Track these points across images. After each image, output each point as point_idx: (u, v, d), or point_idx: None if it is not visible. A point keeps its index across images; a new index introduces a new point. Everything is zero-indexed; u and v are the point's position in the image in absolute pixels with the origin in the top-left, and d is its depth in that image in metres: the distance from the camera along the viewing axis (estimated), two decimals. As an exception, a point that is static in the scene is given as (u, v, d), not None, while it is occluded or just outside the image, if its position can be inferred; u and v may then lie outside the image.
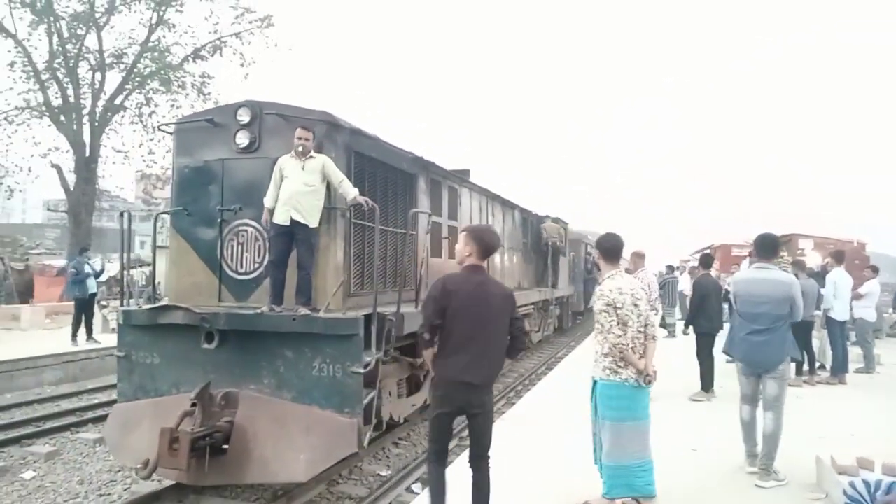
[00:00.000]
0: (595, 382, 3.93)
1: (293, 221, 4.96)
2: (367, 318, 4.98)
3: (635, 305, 3.81)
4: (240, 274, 5.45)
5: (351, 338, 4.83)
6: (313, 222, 5.02)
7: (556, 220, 14.21)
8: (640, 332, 3.81)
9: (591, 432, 4.10)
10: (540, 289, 12.88)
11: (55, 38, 18.41)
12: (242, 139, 5.42)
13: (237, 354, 5.12)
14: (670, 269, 14.72)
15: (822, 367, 9.23)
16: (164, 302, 5.62)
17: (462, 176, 8.87)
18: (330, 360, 4.88)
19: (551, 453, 5.32)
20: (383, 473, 5.93)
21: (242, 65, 20.79)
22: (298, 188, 4.97)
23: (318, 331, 4.81)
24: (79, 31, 18.96)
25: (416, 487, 5.43)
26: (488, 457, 3.49)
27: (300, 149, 4.99)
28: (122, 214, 5.82)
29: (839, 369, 8.85)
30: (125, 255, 5.85)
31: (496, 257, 10.65)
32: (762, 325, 4.55)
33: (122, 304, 5.72)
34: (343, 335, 4.83)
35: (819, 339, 9.24)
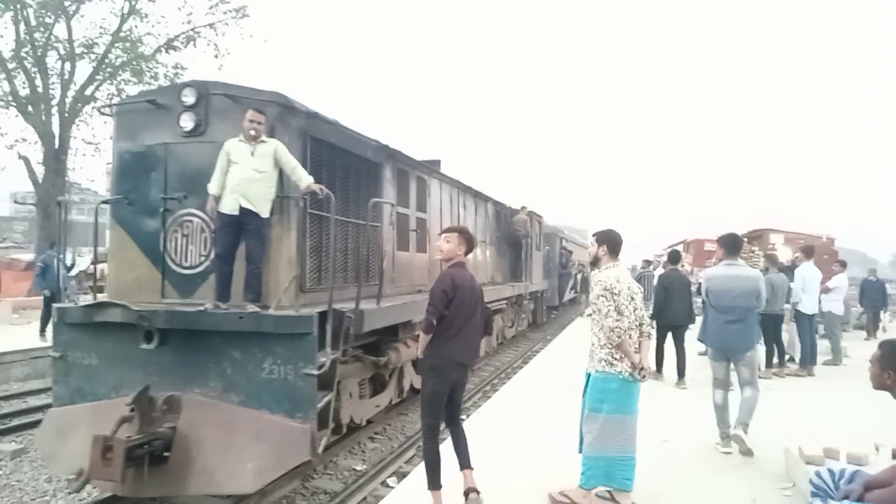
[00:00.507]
0: (589, 376, 4.00)
1: (242, 210, 4.57)
2: (323, 315, 4.63)
3: (631, 298, 3.92)
4: (184, 268, 5.03)
5: (304, 337, 4.48)
6: (264, 212, 4.64)
7: (529, 214, 13.94)
8: (635, 327, 3.92)
9: (578, 424, 4.11)
10: (513, 283, 12.62)
11: (22, 27, 17.78)
12: (187, 122, 5.00)
13: (181, 355, 4.73)
14: (647, 263, 14.59)
15: (792, 359, 9.44)
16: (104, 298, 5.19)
17: (431, 166, 8.53)
18: (281, 361, 4.52)
19: (529, 445, 5.31)
20: (359, 468, 5.85)
21: (217, 56, 20.42)
22: (248, 174, 4.58)
23: (267, 329, 4.44)
24: (47, 20, 18.30)
25: (392, 481, 5.38)
26: (460, 425, 4.17)
27: (251, 132, 4.60)
28: (96, 207, 5.40)
29: (807, 361, 9.04)
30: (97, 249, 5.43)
31: (480, 257, 10.35)
32: (734, 316, 5.10)
33: (94, 299, 5.30)
34: (295, 334, 4.47)
35: (788, 332, 9.44)
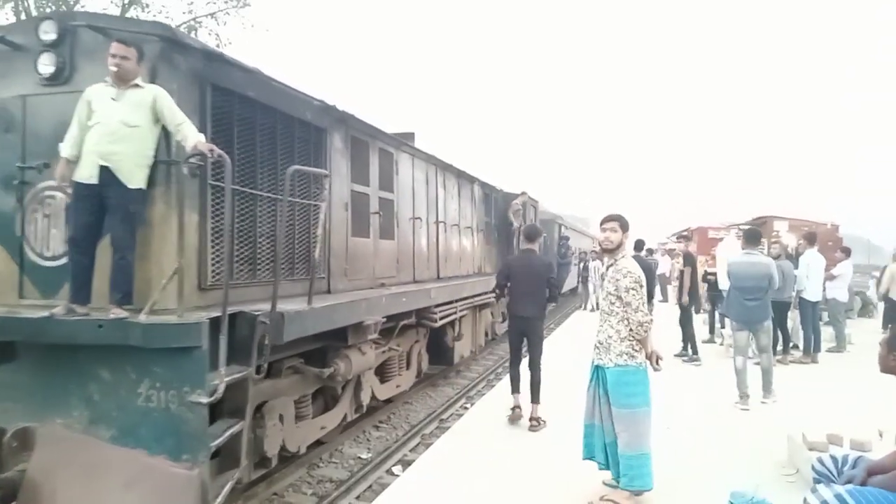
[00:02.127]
0: (598, 369, 3.89)
1: (102, 178, 3.36)
2: (231, 321, 3.45)
3: (641, 286, 3.82)
4: (47, 259, 3.82)
5: (188, 352, 3.28)
6: (133, 180, 3.42)
7: (521, 197, 12.66)
8: None
9: (585, 423, 4.05)
10: (503, 275, 11.41)
11: (23, 17, 16.78)
12: (47, 65, 3.76)
13: (39, 374, 3.55)
14: (649, 251, 13.49)
15: (796, 346, 9.47)
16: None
17: (402, 139, 7.28)
18: (161, 385, 3.32)
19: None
20: (364, 456, 5.81)
21: (218, 45, 19.71)
22: (111, 128, 3.37)
23: (135, 342, 3.24)
24: (48, 10, 17.24)
25: (397, 469, 5.33)
26: (539, 362, 5.75)
27: (114, 69, 3.38)
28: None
29: (811, 348, 9.15)
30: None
31: (452, 239, 9.13)
32: (752, 296, 6.36)
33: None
34: (177, 349, 3.27)
35: (793, 319, 9.49)
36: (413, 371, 7.43)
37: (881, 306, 13.15)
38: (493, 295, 6.99)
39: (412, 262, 7.41)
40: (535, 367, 5.75)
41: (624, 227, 3.94)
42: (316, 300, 4.59)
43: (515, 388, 5.87)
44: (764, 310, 6.45)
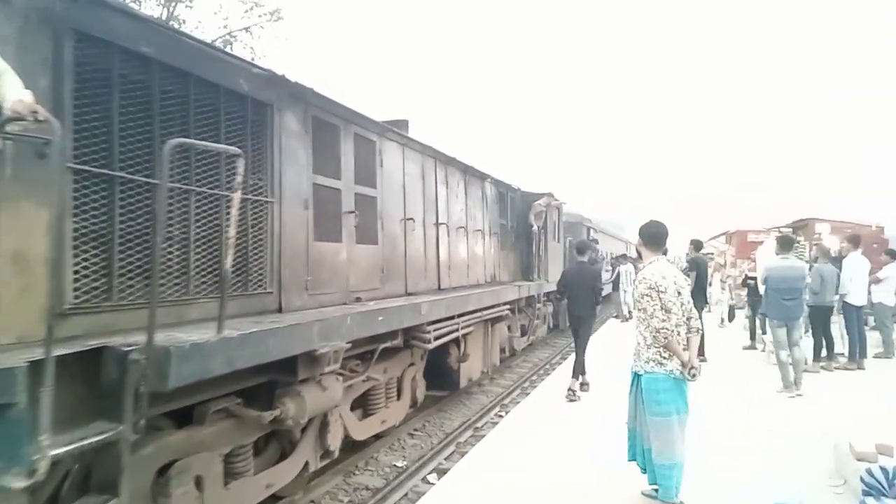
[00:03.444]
0: (636, 376, 3.85)
1: None
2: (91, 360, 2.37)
3: (678, 294, 3.74)
4: None
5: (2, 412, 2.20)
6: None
7: (546, 198, 11.40)
8: (683, 322, 3.74)
9: (628, 428, 3.99)
10: (520, 283, 10.13)
11: None
12: None
13: None
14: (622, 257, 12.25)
15: (842, 353, 9.07)
16: None
17: (389, 126, 6.15)
18: (-36, 459, 2.25)
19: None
20: (399, 464, 5.82)
21: (253, 59, 19.92)
22: None
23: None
24: None
25: (432, 478, 5.33)
26: (586, 347, 7.27)
27: None
28: None
29: (857, 354, 8.81)
30: None
31: (457, 244, 7.96)
32: (789, 296, 7.12)
33: None
34: (-22, 407, 2.19)
35: (838, 324, 9.15)
36: (405, 401, 6.26)
37: None
38: (558, 297, 9.51)
39: (403, 270, 6.26)
40: (580, 351, 7.26)
41: (643, 237, 4.00)
42: (247, 324, 3.50)
43: (575, 373, 7.21)
44: (799, 308, 7.25)
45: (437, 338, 6.14)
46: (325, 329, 3.99)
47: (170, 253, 3.36)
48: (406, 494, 5.05)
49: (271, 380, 3.99)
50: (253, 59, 19.64)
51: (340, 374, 4.81)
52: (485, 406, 8.01)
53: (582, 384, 7.19)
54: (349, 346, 4.27)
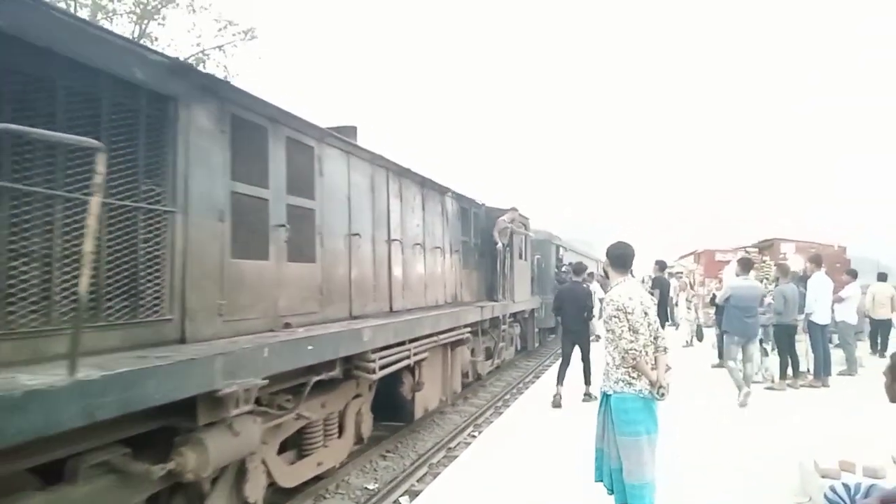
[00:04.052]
0: (606, 397, 3.83)
1: None
2: None
3: (645, 314, 3.76)
4: None
5: None
6: None
7: (511, 213, 10.88)
8: (651, 342, 3.75)
9: (594, 448, 3.95)
10: (482, 304, 9.54)
11: None
12: None
13: None
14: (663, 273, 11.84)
15: (807, 370, 9.26)
16: None
17: (331, 131, 5.56)
18: None
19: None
20: (370, 487, 5.69)
21: (226, 77, 19.60)
22: None
23: None
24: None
25: (404, 500, 5.29)
26: (589, 358, 7.89)
27: None
28: None
29: (822, 372, 9.00)
30: None
31: (413, 263, 7.36)
32: (749, 314, 7.77)
33: None
34: None
35: (802, 343, 9.29)
36: (347, 439, 5.57)
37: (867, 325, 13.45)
38: (553, 314, 9.71)
39: (347, 292, 5.62)
40: (586, 361, 7.95)
41: (610, 258, 4.01)
42: (128, 360, 2.83)
43: (560, 382, 7.67)
44: (756, 325, 7.97)
45: (383, 366, 5.49)
46: (233, 364, 3.34)
47: (22, 272, 2.69)
48: (378, 518, 4.85)
49: (167, 425, 3.32)
50: (226, 77, 18.48)
51: (264, 413, 4.16)
52: (458, 426, 7.95)
53: (586, 394, 7.82)
54: (266, 382, 3.61)
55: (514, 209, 10.98)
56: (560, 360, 8.03)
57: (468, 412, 8.79)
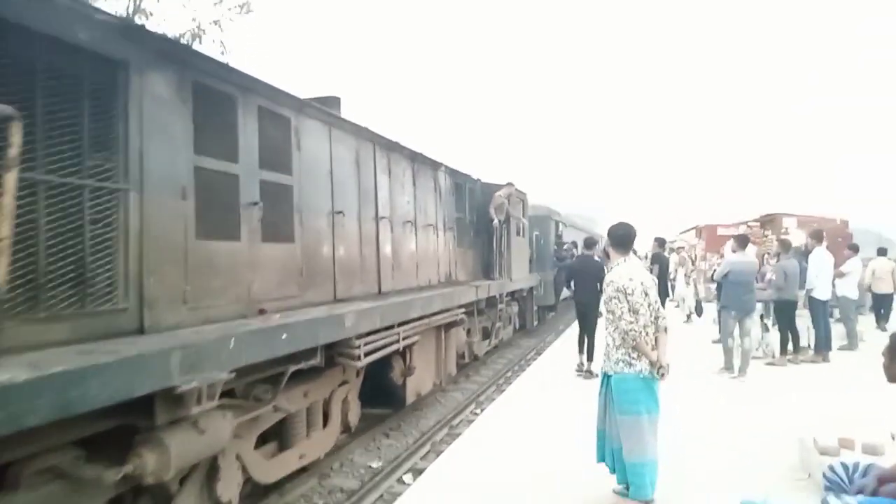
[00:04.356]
0: (606, 377, 3.84)
1: None
2: None
3: (646, 294, 3.74)
4: None
5: None
6: None
7: (507, 188, 10.49)
8: (651, 322, 3.73)
9: (597, 429, 3.95)
10: (479, 283, 9.24)
11: None
12: None
13: None
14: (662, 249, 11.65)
15: (808, 345, 9.21)
16: None
17: (311, 102, 5.18)
18: None
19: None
20: (374, 465, 5.72)
21: (223, 53, 18.85)
22: None
23: None
24: None
25: (408, 478, 5.28)
26: (594, 332, 7.91)
27: None
28: None
29: (823, 347, 8.94)
30: None
31: (404, 241, 7.04)
32: (747, 289, 7.89)
33: None
34: None
35: (803, 318, 9.23)
36: (333, 428, 5.31)
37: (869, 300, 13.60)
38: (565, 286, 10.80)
39: (331, 273, 5.30)
40: (591, 337, 8.06)
41: (611, 239, 4.00)
42: (69, 356, 2.54)
43: (581, 350, 8.17)
44: (753, 299, 8.06)
45: (370, 352, 5.20)
46: (193, 357, 3.03)
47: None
48: (382, 496, 5.00)
49: (124, 424, 3.03)
50: (223, 54, 18.03)
51: (238, 406, 3.88)
52: (460, 403, 8.01)
53: (587, 371, 7.94)
54: (231, 376, 3.31)
55: (510, 184, 10.59)
56: (578, 330, 8.41)
57: (470, 390, 8.89)
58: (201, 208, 3.73)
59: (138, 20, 17.29)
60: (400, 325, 5.88)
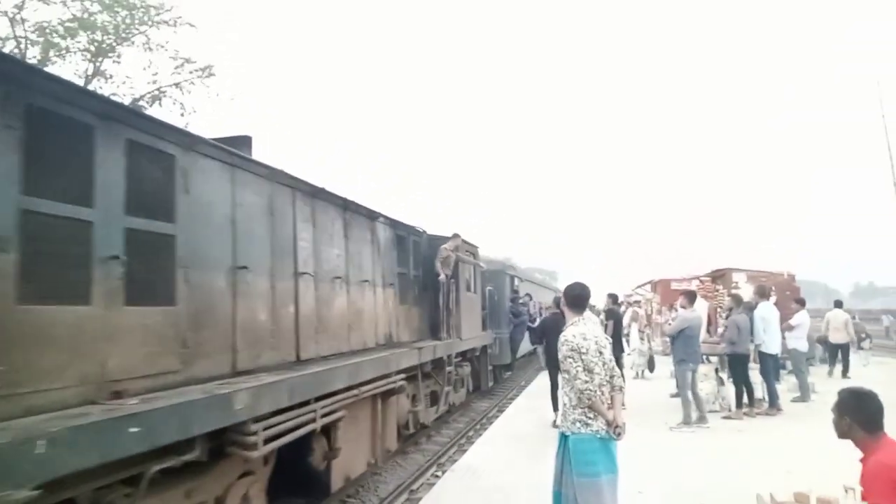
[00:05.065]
0: (564, 437, 3.79)
1: None
2: None
3: (600, 353, 3.77)
4: None
5: None
6: None
7: (454, 241, 9.82)
8: (606, 381, 3.74)
9: (553, 490, 3.88)
10: (423, 344, 8.39)
11: None
12: None
13: None
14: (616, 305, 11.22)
15: (763, 398, 9.27)
16: None
17: (205, 139, 4.43)
18: None
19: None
20: None
21: (182, 114, 19.21)
22: None
23: None
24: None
25: None
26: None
27: None
28: None
29: (776, 400, 9.09)
30: None
31: (332, 300, 6.23)
32: (697, 342, 8.50)
33: None
34: None
35: (755, 371, 9.36)
36: (227, 533, 4.28)
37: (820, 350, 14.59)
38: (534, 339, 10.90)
39: (230, 340, 4.42)
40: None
41: (566, 298, 4.03)
42: None
43: (556, 407, 7.57)
44: (700, 352, 8.86)
45: (274, 437, 4.27)
46: None
47: None
48: None
49: None
50: (182, 115, 18.15)
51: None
52: (421, 466, 7.84)
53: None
54: (33, 495, 2.39)
55: (456, 235, 9.96)
56: (551, 387, 8.49)
57: (431, 451, 8.70)
58: (29, 263, 2.88)
59: (97, 83, 17.51)
60: (319, 399, 4.98)
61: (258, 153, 5.32)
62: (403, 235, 8.81)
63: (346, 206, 6.75)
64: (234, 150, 4.65)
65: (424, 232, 9.82)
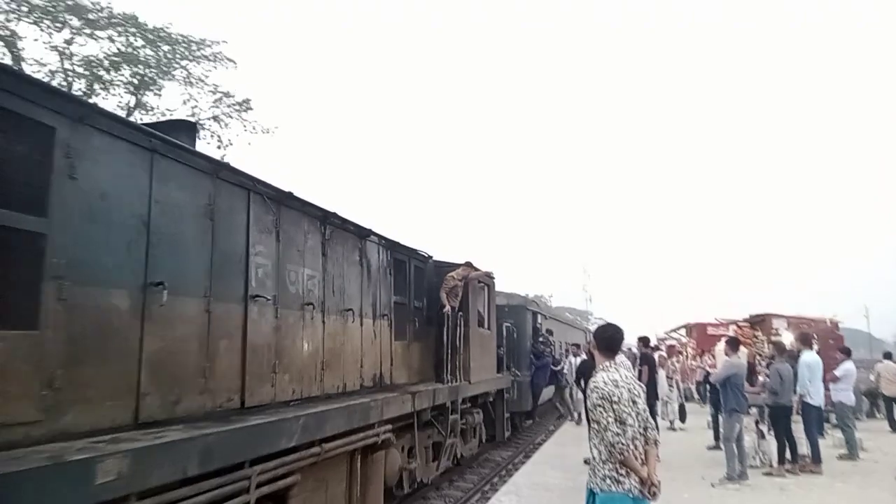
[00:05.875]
0: (592, 494, 3.57)
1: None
2: None
3: (633, 402, 3.51)
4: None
5: None
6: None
7: (464, 270, 8.65)
8: (640, 434, 3.51)
9: None
10: (420, 388, 7.12)
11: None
12: None
13: None
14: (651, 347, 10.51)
15: (807, 454, 8.59)
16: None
17: (104, 109, 3.43)
18: None
19: None
20: None
21: (219, 147, 19.84)
22: None
23: None
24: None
25: None
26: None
27: None
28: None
29: (817, 456, 8.42)
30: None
31: (307, 334, 5.12)
32: (743, 391, 7.93)
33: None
34: None
35: (798, 424, 8.74)
36: None
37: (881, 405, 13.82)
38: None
39: (134, 380, 3.31)
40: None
41: (597, 341, 3.80)
42: None
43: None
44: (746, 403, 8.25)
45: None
46: None
47: None
48: None
49: None
50: (219, 147, 19.31)
51: None
52: None
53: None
54: None
55: (468, 264, 8.78)
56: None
57: (454, 497, 8.22)
58: None
59: (138, 114, 18.15)
60: (256, 462, 3.80)
61: (306, 192, 4.58)
62: (403, 259, 7.70)
63: (326, 219, 5.67)
64: (153, 131, 3.62)
65: (430, 257, 8.69)
